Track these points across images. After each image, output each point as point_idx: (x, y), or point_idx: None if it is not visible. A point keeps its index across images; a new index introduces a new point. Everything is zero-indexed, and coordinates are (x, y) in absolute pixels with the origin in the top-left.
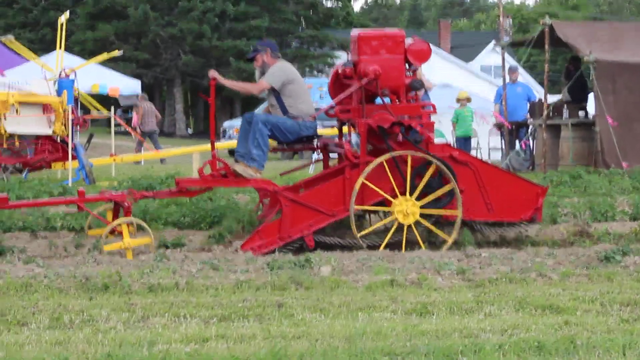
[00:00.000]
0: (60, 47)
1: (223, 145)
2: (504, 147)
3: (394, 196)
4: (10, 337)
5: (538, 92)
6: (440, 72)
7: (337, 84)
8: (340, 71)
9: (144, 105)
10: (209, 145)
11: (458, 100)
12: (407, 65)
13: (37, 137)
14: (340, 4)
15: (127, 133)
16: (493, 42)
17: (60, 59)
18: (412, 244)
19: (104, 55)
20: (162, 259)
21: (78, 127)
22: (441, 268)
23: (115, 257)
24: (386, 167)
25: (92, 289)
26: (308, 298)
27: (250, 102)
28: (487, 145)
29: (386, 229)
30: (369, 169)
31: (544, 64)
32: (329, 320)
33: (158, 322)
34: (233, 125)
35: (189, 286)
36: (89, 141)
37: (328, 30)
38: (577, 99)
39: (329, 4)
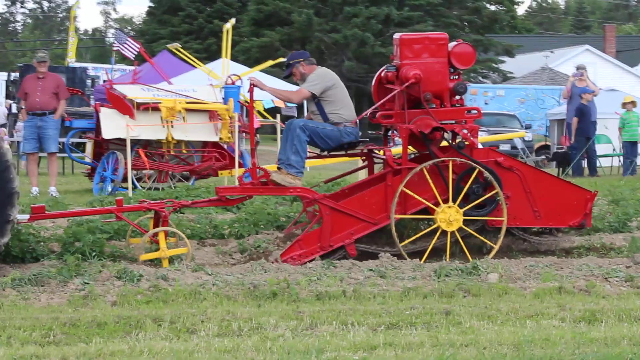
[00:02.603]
0: (225, 55)
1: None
2: None
3: (437, 204)
4: (180, 344)
5: None
6: (606, 76)
7: (381, 89)
8: (383, 75)
9: None
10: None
11: (623, 105)
12: (451, 69)
13: (204, 145)
14: (504, 8)
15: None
16: None
17: (226, 66)
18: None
19: (269, 62)
20: (330, 267)
21: (244, 134)
22: (609, 275)
23: (283, 265)
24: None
25: (260, 296)
26: (475, 305)
27: None
28: None
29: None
30: (409, 176)
31: None
32: (496, 327)
33: (326, 330)
34: None
35: (357, 294)
36: (255, 148)
37: (492, 35)
38: None
39: (493, 8)
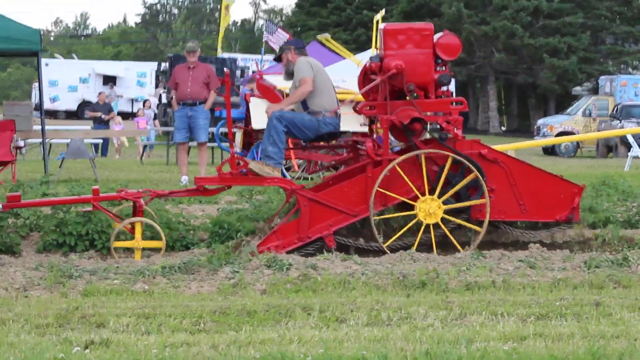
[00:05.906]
0: (376, 46)
1: (537, 143)
2: None
3: (419, 196)
4: (329, 333)
5: None
6: None
7: (367, 79)
8: (368, 66)
9: None
10: (522, 143)
11: None
12: (437, 60)
13: (353, 135)
14: None
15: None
16: None
17: None
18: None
19: None
20: (479, 257)
21: None
22: None
23: (432, 255)
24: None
25: (409, 286)
26: (626, 297)
27: (564, 100)
28: None
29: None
30: (385, 171)
31: None
32: None
33: (475, 320)
34: (547, 123)
35: (506, 284)
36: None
37: None
38: None
39: None
